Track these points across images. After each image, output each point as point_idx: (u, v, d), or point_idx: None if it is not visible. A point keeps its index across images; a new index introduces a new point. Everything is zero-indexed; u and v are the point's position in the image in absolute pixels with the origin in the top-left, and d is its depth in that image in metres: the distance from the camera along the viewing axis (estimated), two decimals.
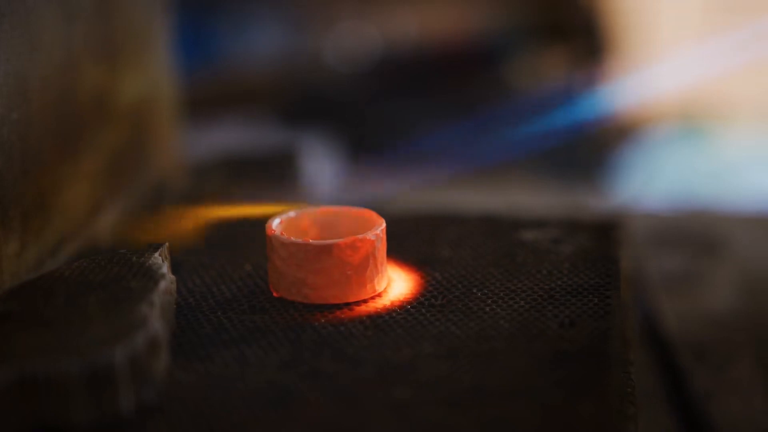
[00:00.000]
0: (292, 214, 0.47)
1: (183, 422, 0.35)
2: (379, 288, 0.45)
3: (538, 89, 1.51)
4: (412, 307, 0.44)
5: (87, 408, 0.35)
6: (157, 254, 0.43)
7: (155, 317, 0.38)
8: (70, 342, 0.36)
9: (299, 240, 0.44)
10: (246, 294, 0.46)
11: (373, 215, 0.46)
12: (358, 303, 0.44)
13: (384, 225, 0.45)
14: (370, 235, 0.44)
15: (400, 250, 0.49)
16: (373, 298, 0.45)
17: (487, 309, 0.43)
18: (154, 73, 0.64)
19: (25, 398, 0.35)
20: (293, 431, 0.35)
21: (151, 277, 0.41)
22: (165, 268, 0.42)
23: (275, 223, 0.46)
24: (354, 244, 0.44)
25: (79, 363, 0.35)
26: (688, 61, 1.43)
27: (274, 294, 0.45)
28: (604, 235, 0.51)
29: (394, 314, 0.43)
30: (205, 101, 1.19)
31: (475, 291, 0.45)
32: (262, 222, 0.46)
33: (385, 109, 1.50)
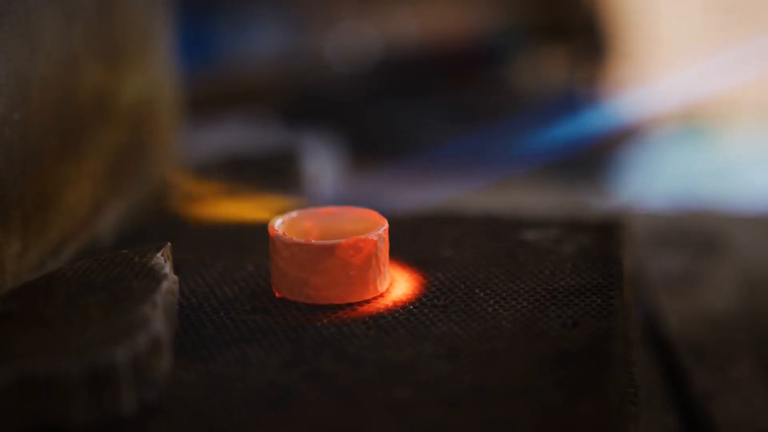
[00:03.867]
0: (294, 214, 0.47)
1: (183, 422, 0.35)
2: (382, 288, 0.45)
3: (539, 89, 1.51)
4: (414, 308, 0.44)
5: (87, 408, 0.35)
6: (159, 254, 0.43)
7: (158, 317, 0.38)
8: (70, 342, 0.36)
9: (302, 240, 0.44)
10: (248, 294, 0.46)
11: (375, 215, 0.46)
12: (360, 303, 0.44)
13: (386, 225, 0.45)
14: (372, 236, 0.44)
15: (402, 251, 0.49)
16: (375, 298, 0.45)
17: (490, 309, 0.43)
18: (155, 73, 0.64)
19: (25, 398, 0.35)
20: (293, 431, 0.35)
21: (154, 277, 0.41)
22: (167, 268, 0.42)
23: (278, 224, 0.46)
24: (356, 245, 0.44)
25: (79, 363, 0.35)
26: (692, 76, 1.43)
27: (277, 294, 0.45)
28: (606, 235, 0.51)
29: (396, 314, 0.43)
30: (205, 101, 1.19)
31: (477, 291, 0.45)
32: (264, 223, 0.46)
33: (385, 109, 1.50)
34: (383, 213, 0.47)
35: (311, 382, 0.38)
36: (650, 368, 0.56)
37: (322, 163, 0.82)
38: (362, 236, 0.44)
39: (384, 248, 0.45)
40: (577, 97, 1.48)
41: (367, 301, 0.44)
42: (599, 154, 1.37)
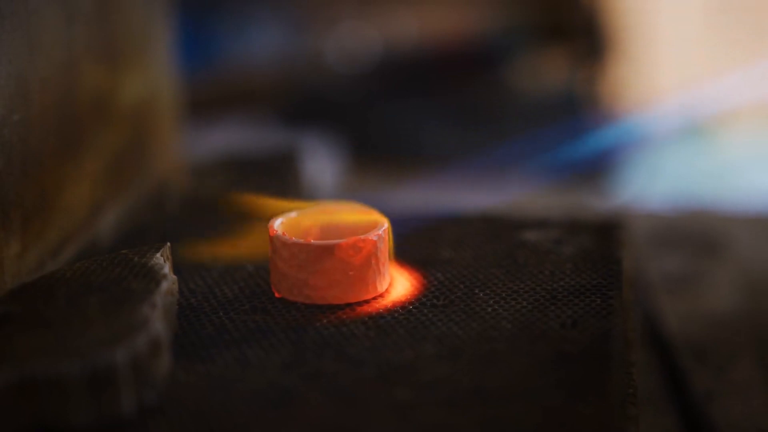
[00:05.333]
0: (294, 214, 0.47)
1: (183, 423, 0.35)
2: (381, 288, 0.45)
3: (539, 90, 1.51)
4: (414, 308, 0.44)
5: (87, 409, 0.35)
6: (158, 255, 0.43)
7: (157, 318, 0.38)
8: (70, 343, 0.36)
9: (301, 240, 0.44)
10: (248, 294, 0.46)
11: (375, 215, 0.46)
12: (360, 303, 0.44)
13: (386, 225, 0.45)
14: (372, 236, 0.44)
15: (401, 251, 0.49)
16: (375, 298, 0.45)
17: (489, 309, 0.43)
18: (155, 74, 0.64)
19: (25, 399, 0.35)
20: (293, 431, 0.35)
21: (153, 277, 0.41)
22: (167, 269, 0.42)
23: (277, 224, 0.46)
24: (356, 245, 0.44)
25: (79, 364, 0.35)
26: (695, 98, 1.43)
27: (276, 295, 0.45)
28: (606, 235, 0.51)
29: (396, 315, 0.43)
30: (205, 102, 1.19)
31: (477, 291, 0.45)
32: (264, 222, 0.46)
33: (385, 109, 1.50)
34: (383, 213, 0.47)
35: (311, 383, 0.38)
36: (650, 369, 0.56)
37: (322, 164, 0.82)
38: (362, 236, 0.44)
39: (383, 248, 0.45)
40: (577, 97, 1.48)
41: (367, 302, 0.44)
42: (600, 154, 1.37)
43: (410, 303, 0.44)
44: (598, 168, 1.24)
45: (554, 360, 0.39)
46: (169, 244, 0.44)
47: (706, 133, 1.49)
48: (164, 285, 0.41)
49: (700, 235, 0.74)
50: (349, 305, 0.44)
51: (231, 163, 0.75)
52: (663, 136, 1.40)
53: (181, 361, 0.39)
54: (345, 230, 0.47)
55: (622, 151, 1.33)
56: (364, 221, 0.47)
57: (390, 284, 0.46)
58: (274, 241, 0.44)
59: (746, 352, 0.57)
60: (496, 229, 0.53)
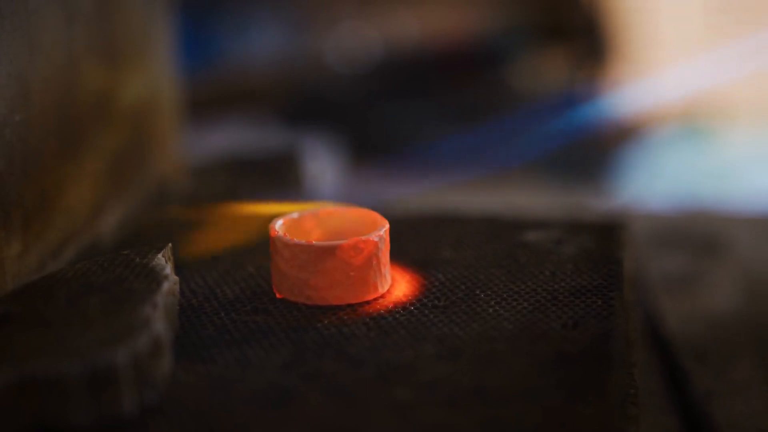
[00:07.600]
0: (295, 215, 0.47)
1: (184, 423, 0.35)
2: (382, 289, 0.45)
3: (540, 90, 1.51)
4: (414, 309, 0.44)
5: (87, 409, 0.35)
6: (160, 255, 0.43)
7: (158, 318, 0.38)
8: (70, 343, 0.36)
9: (302, 241, 0.44)
10: (249, 295, 0.46)
11: (376, 216, 0.46)
12: (361, 304, 0.44)
13: (387, 226, 0.45)
14: (372, 237, 0.44)
15: (402, 251, 0.49)
16: (376, 299, 0.45)
17: (490, 310, 0.43)
18: (155, 74, 0.64)
19: (26, 399, 0.35)
20: (293, 431, 0.35)
21: (154, 278, 0.41)
22: (168, 269, 0.42)
23: (278, 224, 0.46)
24: (357, 246, 0.44)
25: (80, 364, 0.35)
26: (691, 70, 1.43)
27: (277, 295, 0.45)
28: (607, 235, 0.51)
29: (396, 315, 0.43)
30: (206, 102, 1.19)
31: (478, 292, 0.45)
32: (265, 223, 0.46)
33: (386, 110, 1.50)
34: (383, 214, 0.47)
35: (311, 383, 0.38)
36: (651, 369, 0.56)
37: (322, 164, 0.82)
38: (363, 237, 0.44)
39: (384, 249, 0.45)
40: (577, 97, 1.48)
41: (368, 302, 0.44)
42: (599, 154, 1.37)
43: (411, 304, 0.44)
44: (584, 143, 1.24)
45: (554, 360, 0.39)
46: (170, 244, 0.45)
47: (706, 132, 1.49)
48: (166, 285, 0.41)
49: (700, 235, 0.74)
50: (350, 306, 0.44)
51: (231, 163, 0.75)
52: (656, 114, 1.40)
53: (181, 361, 0.39)
54: (346, 231, 0.47)
55: (610, 128, 1.33)
56: (365, 222, 0.47)
57: (391, 285, 0.46)
58: (275, 241, 0.44)
59: (746, 352, 0.57)
60: (497, 229, 0.53)
